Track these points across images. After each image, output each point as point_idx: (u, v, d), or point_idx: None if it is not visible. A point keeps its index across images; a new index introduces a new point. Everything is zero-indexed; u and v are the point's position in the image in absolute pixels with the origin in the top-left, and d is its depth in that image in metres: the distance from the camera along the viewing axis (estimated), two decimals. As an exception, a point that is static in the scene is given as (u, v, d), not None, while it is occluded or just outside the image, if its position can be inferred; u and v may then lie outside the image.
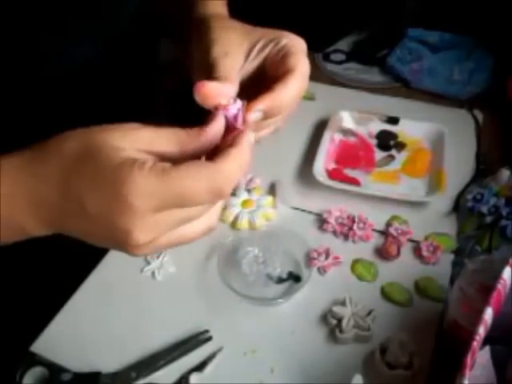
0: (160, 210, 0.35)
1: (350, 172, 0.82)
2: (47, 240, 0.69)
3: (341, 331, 0.60)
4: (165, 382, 0.58)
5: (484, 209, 0.71)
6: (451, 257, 0.69)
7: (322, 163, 0.80)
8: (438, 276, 0.66)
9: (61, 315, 0.64)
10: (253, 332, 0.62)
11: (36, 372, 0.57)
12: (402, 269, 0.68)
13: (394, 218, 0.74)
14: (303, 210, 0.76)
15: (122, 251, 0.37)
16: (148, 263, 0.69)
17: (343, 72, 1.06)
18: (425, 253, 0.68)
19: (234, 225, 0.74)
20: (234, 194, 0.78)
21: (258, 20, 0.50)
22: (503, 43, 0.97)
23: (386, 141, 0.87)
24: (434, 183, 0.77)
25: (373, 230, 0.73)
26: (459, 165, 0.81)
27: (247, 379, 0.58)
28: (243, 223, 0.73)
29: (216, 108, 0.39)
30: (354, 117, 0.88)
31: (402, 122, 0.87)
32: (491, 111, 0.92)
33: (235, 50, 0.46)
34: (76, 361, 0.58)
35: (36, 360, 0.57)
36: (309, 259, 0.68)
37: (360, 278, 0.67)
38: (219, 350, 0.60)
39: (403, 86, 1.00)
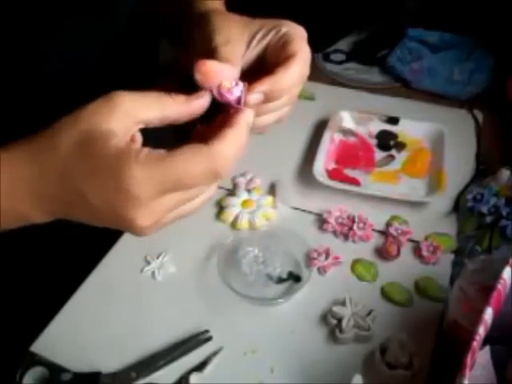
0: (160, 196, 0.36)
1: (349, 172, 0.82)
2: (47, 240, 0.69)
3: (341, 331, 0.60)
4: (165, 382, 0.57)
5: (484, 209, 0.71)
6: (451, 257, 0.69)
7: (322, 163, 0.80)
8: (437, 276, 0.66)
9: (61, 315, 0.64)
10: (253, 332, 0.62)
11: (36, 372, 0.57)
12: (402, 269, 0.68)
13: (393, 218, 0.74)
14: (303, 210, 0.76)
15: (124, 230, 0.39)
16: (148, 263, 0.69)
17: (343, 72, 1.06)
18: (425, 253, 0.68)
19: (233, 225, 0.74)
20: (233, 193, 0.78)
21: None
22: (503, 43, 0.97)
23: (386, 141, 0.87)
24: (434, 183, 0.77)
25: (373, 230, 0.73)
26: (459, 165, 0.81)
27: (247, 379, 0.58)
28: (243, 223, 0.73)
29: (218, 90, 0.39)
30: (354, 117, 0.88)
31: (402, 121, 0.87)
32: (491, 111, 0.92)
33: (236, 38, 0.46)
34: (76, 361, 0.58)
35: (36, 360, 0.57)
36: (309, 259, 0.68)
37: (360, 278, 0.67)
38: (219, 350, 0.60)
39: (403, 86, 1.00)
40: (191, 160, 0.36)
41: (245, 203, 0.76)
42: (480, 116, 0.91)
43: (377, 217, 0.74)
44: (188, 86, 0.40)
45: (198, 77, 0.39)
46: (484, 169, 0.80)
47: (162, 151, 0.36)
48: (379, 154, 0.85)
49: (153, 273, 0.68)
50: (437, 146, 0.83)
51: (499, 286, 0.47)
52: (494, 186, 0.73)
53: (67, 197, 0.37)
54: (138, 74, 0.70)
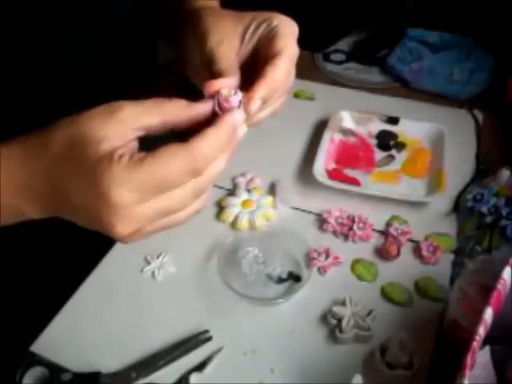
0: (141, 202, 0.35)
1: (350, 172, 0.82)
2: (47, 240, 0.69)
3: (341, 331, 0.60)
4: (165, 382, 0.57)
5: (484, 209, 0.71)
6: (451, 257, 0.69)
7: (322, 163, 0.80)
8: (437, 276, 0.66)
9: (61, 315, 0.64)
10: (253, 332, 0.62)
11: (36, 372, 0.57)
12: (402, 269, 0.68)
13: (393, 218, 0.74)
14: (303, 210, 0.76)
15: (111, 237, 0.39)
16: (148, 263, 0.69)
17: (343, 72, 1.06)
18: (425, 253, 0.68)
19: (233, 225, 0.74)
20: (233, 193, 0.78)
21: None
22: (503, 43, 0.97)
23: (386, 141, 0.87)
24: (434, 183, 0.77)
25: (373, 229, 0.73)
26: (459, 165, 0.81)
27: (247, 379, 0.58)
28: (243, 223, 0.73)
29: (216, 99, 0.40)
30: (354, 117, 0.88)
31: (402, 121, 0.87)
32: (491, 111, 0.92)
33: (230, 36, 0.46)
34: (76, 361, 0.58)
35: (36, 360, 0.57)
36: (309, 259, 0.68)
37: (360, 278, 0.67)
38: (219, 350, 0.60)
39: (403, 86, 1.00)
40: (170, 158, 0.35)
41: (245, 203, 0.76)
42: (480, 116, 0.91)
43: (377, 217, 0.74)
44: (187, 87, 0.40)
45: (207, 95, 0.40)
46: (484, 169, 0.80)
47: (143, 154, 0.36)
48: (379, 154, 0.85)
49: (153, 273, 0.68)
50: (437, 146, 0.83)
51: (499, 286, 0.47)
52: (493, 186, 0.73)
53: (54, 195, 0.38)
54: (138, 74, 0.70)
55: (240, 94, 0.41)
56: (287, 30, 0.46)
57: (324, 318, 0.63)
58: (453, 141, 0.83)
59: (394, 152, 0.85)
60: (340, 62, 1.08)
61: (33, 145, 0.38)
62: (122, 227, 0.36)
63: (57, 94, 0.57)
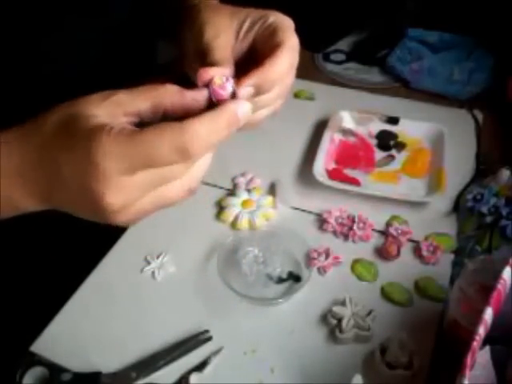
0: (130, 172, 0.35)
1: (350, 172, 0.82)
2: (48, 240, 0.69)
3: (341, 331, 0.60)
4: (165, 382, 0.57)
5: (484, 209, 0.71)
6: (451, 257, 0.69)
7: (322, 163, 0.80)
8: (437, 276, 0.66)
9: (61, 315, 0.64)
10: (253, 332, 0.62)
11: (36, 372, 0.57)
12: (402, 269, 0.68)
13: (393, 218, 0.74)
14: (303, 210, 0.76)
15: (104, 221, 0.38)
16: (148, 263, 0.69)
17: (343, 72, 1.06)
18: (425, 253, 0.68)
19: (234, 225, 0.74)
20: (233, 193, 0.78)
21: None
22: (503, 43, 0.97)
23: (386, 141, 0.87)
24: (434, 183, 0.77)
25: (373, 229, 0.73)
26: (459, 165, 0.81)
27: (247, 379, 0.58)
28: (243, 223, 0.73)
29: (208, 85, 0.40)
30: (354, 117, 0.88)
31: (402, 121, 0.87)
32: (491, 111, 0.92)
33: (225, 30, 0.46)
34: (76, 361, 0.58)
35: (36, 360, 0.57)
36: (309, 259, 0.68)
37: (360, 277, 0.67)
38: (219, 350, 0.60)
39: (403, 86, 1.00)
40: (160, 135, 0.35)
41: (245, 203, 0.76)
42: (480, 116, 0.91)
43: (377, 217, 0.74)
44: (187, 86, 0.40)
45: (200, 83, 0.40)
46: (484, 169, 0.80)
47: (134, 128, 0.36)
48: (379, 154, 0.85)
49: (153, 273, 0.68)
50: (437, 146, 0.83)
51: (499, 286, 0.47)
52: (493, 186, 0.73)
53: (47, 174, 0.38)
54: (137, 74, 0.70)
55: (231, 81, 0.41)
56: (285, 24, 0.46)
57: (324, 318, 0.63)
58: (453, 141, 0.83)
59: (394, 152, 0.85)
60: (340, 62, 1.08)
61: (27, 128, 0.39)
62: (111, 197, 0.35)
63: (57, 93, 0.57)
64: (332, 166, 0.83)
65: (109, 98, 0.37)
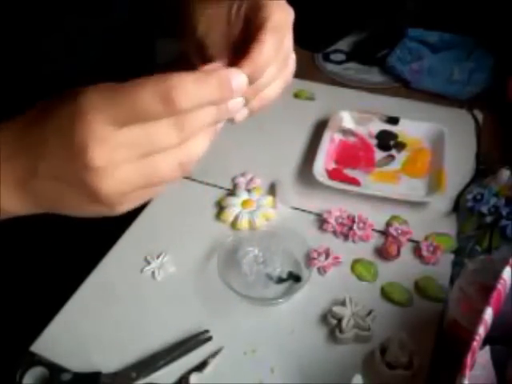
0: (115, 125, 0.34)
1: (350, 172, 0.82)
2: (47, 240, 0.69)
3: (341, 331, 0.60)
4: (165, 382, 0.57)
5: (484, 209, 0.71)
6: (451, 257, 0.69)
7: (322, 163, 0.80)
8: (438, 276, 0.66)
9: (61, 315, 0.64)
10: (253, 332, 0.62)
11: (36, 372, 0.57)
12: (402, 269, 0.68)
13: (393, 218, 0.74)
14: (303, 210, 0.76)
15: (88, 190, 0.35)
16: (148, 263, 0.69)
17: (343, 72, 1.06)
18: (425, 253, 0.68)
19: (234, 225, 0.74)
20: (233, 193, 0.78)
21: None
22: (503, 43, 0.97)
23: (386, 141, 0.87)
24: (434, 183, 0.77)
25: (373, 229, 0.73)
26: (459, 165, 0.81)
27: (247, 379, 0.58)
28: (243, 223, 0.73)
29: None
30: (354, 117, 0.88)
31: (402, 121, 0.87)
32: (491, 111, 0.92)
33: (216, 20, 0.46)
34: (76, 361, 0.58)
35: (36, 360, 0.57)
36: (309, 259, 0.68)
37: (360, 277, 0.67)
38: (219, 350, 0.60)
39: (403, 86, 1.00)
40: (144, 83, 0.33)
41: (245, 203, 0.76)
42: (480, 116, 0.91)
43: (377, 217, 0.74)
44: None
45: None
46: (484, 169, 0.80)
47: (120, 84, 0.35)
48: (379, 154, 0.85)
49: (153, 273, 0.68)
50: (437, 146, 0.83)
51: (499, 286, 0.47)
52: (493, 186, 0.73)
53: (24, 153, 0.37)
54: (137, 74, 0.70)
55: None
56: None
57: (324, 318, 0.63)
58: (453, 141, 0.82)
59: (394, 152, 0.85)
60: (340, 62, 1.08)
61: (7, 122, 0.38)
62: (94, 150, 0.33)
63: (57, 93, 0.57)
64: (332, 165, 0.83)
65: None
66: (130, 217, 0.75)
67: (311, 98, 0.97)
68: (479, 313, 0.45)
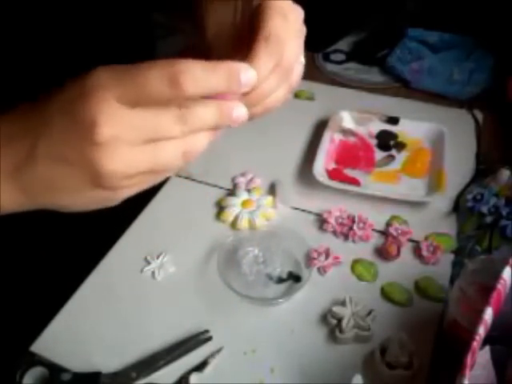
0: (123, 102, 0.34)
1: (350, 172, 0.82)
2: (47, 240, 0.69)
3: (341, 331, 0.60)
4: (165, 382, 0.57)
5: (484, 209, 0.71)
6: (451, 257, 0.69)
7: (322, 163, 0.80)
8: (437, 276, 0.66)
9: (61, 315, 0.64)
10: (253, 332, 0.62)
11: (36, 372, 0.57)
12: (402, 269, 0.68)
13: (393, 218, 0.74)
14: (303, 210, 0.76)
15: (90, 167, 0.34)
16: (148, 263, 0.69)
17: (343, 72, 1.06)
18: (425, 253, 0.68)
19: (234, 225, 0.74)
20: (233, 193, 0.78)
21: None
22: (503, 43, 0.97)
23: (386, 141, 0.87)
24: (434, 183, 0.77)
25: (373, 230, 0.73)
26: (459, 165, 0.81)
27: (247, 379, 0.58)
28: (243, 223, 0.73)
29: None
30: (354, 117, 0.88)
31: (402, 121, 0.87)
32: (491, 111, 0.92)
33: (223, 22, 0.45)
34: (76, 361, 0.58)
35: (36, 360, 0.57)
36: (309, 259, 0.68)
37: (360, 277, 0.67)
38: (219, 350, 0.60)
39: (403, 86, 1.01)
40: (153, 64, 0.33)
41: (245, 203, 0.76)
42: (480, 116, 0.91)
43: (377, 217, 0.74)
44: None
45: None
46: (484, 169, 0.80)
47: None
48: (379, 154, 0.85)
49: (153, 273, 0.68)
50: (437, 146, 0.83)
51: (499, 286, 0.47)
52: (493, 186, 0.73)
53: (27, 131, 0.36)
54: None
55: None
56: (272, 4, 0.41)
57: (324, 318, 0.62)
58: (453, 141, 0.83)
59: (394, 152, 0.85)
60: (340, 62, 1.08)
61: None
62: (102, 125, 0.33)
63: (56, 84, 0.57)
64: (332, 165, 0.83)
65: None
66: (130, 217, 0.75)
67: (311, 98, 0.97)
68: (479, 313, 0.45)
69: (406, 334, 0.58)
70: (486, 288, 0.48)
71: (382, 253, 0.69)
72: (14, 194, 0.38)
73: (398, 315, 0.63)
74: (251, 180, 0.80)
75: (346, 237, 0.72)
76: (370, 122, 0.88)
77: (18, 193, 0.38)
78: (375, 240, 0.72)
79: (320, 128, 0.88)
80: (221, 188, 0.80)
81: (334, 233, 0.73)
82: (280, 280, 0.66)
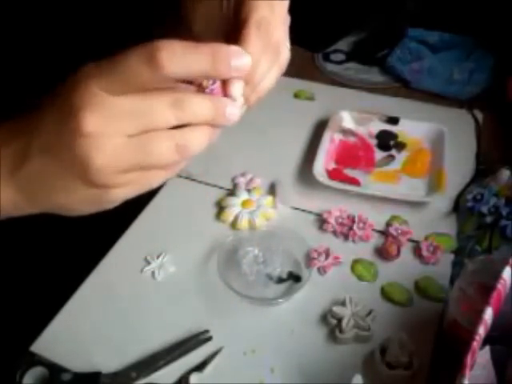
0: (108, 91, 0.33)
1: (349, 172, 0.82)
2: (47, 240, 0.69)
3: (341, 331, 0.60)
4: (165, 382, 0.57)
5: (484, 209, 0.71)
6: (451, 257, 0.69)
7: (322, 163, 0.80)
8: (437, 276, 0.66)
9: (61, 315, 0.64)
10: (253, 332, 0.62)
11: (36, 372, 0.57)
12: (402, 269, 0.68)
13: (393, 218, 0.74)
14: (303, 210, 0.76)
15: (80, 163, 0.34)
16: (148, 263, 0.69)
17: (343, 72, 1.06)
18: (425, 253, 0.68)
19: (234, 225, 0.74)
20: (233, 193, 0.78)
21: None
22: (503, 43, 0.97)
23: (386, 141, 0.87)
24: (434, 183, 0.77)
25: (373, 230, 0.73)
26: (459, 165, 0.81)
27: (247, 379, 0.58)
28: (243, 223, 0.73)
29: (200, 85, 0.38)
30: (354, 117, 0.88)
31: (402, 121, 0.87)
32: (491, 111, 0.92)
33: (210, 20, 0.45)
34: (76, 361, 0.58)
35: (36, 360, 0.57)
36: (309, 259, 0.68)
37: (360, 277, 0.67)
38: (219, 350, 0.60)
39: (403, 86, 1.00)
40: (133, 49, 0.33)
41: (245, 203, 0.76)
42: (480, 116, 0.91)
43: (377, 217, 0.74)
44: (184, 81, 0.39)
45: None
46: (484, 169, 0.80)
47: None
48: (379, 154, 0.85)
49: (153, 273, 0.68)
50: (437, 146, 0.83)
51: (499, 286, 0.47)
52: (493, 186, 0.73)
53: (21, 132, 0.37)
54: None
55: (218, 82, 0.40)
56: None
57: (324, 318, 0.62)
58: (453, 141, 0.82)
59: (394, 152, 0.85)
60: (340, 62, 1.08)
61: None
62: (87, 114, 0.33)
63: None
64: (332, 165, 0.83)
65: None
66: (129, 217, 0.75)
67: (311, 98, 0.97)
68: (479, 313, 0.45)
69: (405, 334, 0.58)
70: (486, 288, 0.48)
71: (382, 253, 0.69)
72: (11, 195, 0.38)
73: (398, 315, 0.63)
74: (251, 180, 0.80)
75: (345, 237, 0.72)
76: (369, 121, 0.88)
77: (14, 193, 0.38)
78: (375, 240, 0.72)
79: (320, 128, 0.88)
80: (221, 188, 0.80)
81: (334, 233, 0.73)
82: (280, 280, 0.66)
